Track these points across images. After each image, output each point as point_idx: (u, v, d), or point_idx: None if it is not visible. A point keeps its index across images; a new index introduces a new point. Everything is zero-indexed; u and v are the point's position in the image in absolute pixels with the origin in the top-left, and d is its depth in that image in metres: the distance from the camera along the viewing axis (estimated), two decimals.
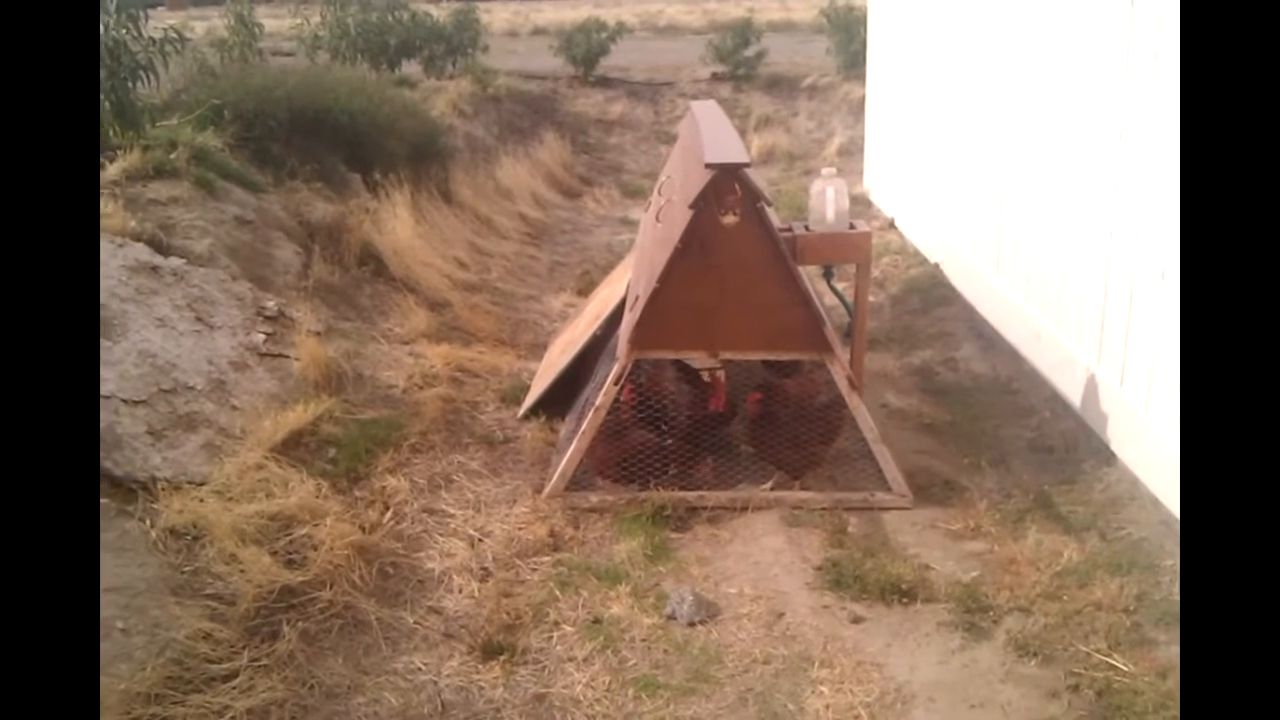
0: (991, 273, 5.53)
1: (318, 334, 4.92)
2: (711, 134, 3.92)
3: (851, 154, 11.36)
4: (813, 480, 4.00)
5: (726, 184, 3.41)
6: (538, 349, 5.64)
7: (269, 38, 12.10)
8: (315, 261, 5.62)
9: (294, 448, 3.93)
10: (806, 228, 3.77)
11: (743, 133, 12.38)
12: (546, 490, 3.91)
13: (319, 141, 6.73)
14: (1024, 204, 5.04)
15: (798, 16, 23.29)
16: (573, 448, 3.89)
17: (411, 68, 11.69)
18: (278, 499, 3.43)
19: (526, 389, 4.95)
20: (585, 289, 6.78)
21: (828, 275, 3.93)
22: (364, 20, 9.87)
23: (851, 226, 3.73)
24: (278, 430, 3.85)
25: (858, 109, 12.10)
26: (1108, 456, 4.01)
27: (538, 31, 22.34)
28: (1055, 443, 4.31)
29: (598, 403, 3.83)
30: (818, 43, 14.75)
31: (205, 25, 16.87)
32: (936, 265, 6.65)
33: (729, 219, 3.48)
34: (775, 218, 3.85)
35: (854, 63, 12.69)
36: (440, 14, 12.42)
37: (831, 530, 3.66)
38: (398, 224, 6.34)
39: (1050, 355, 4.63)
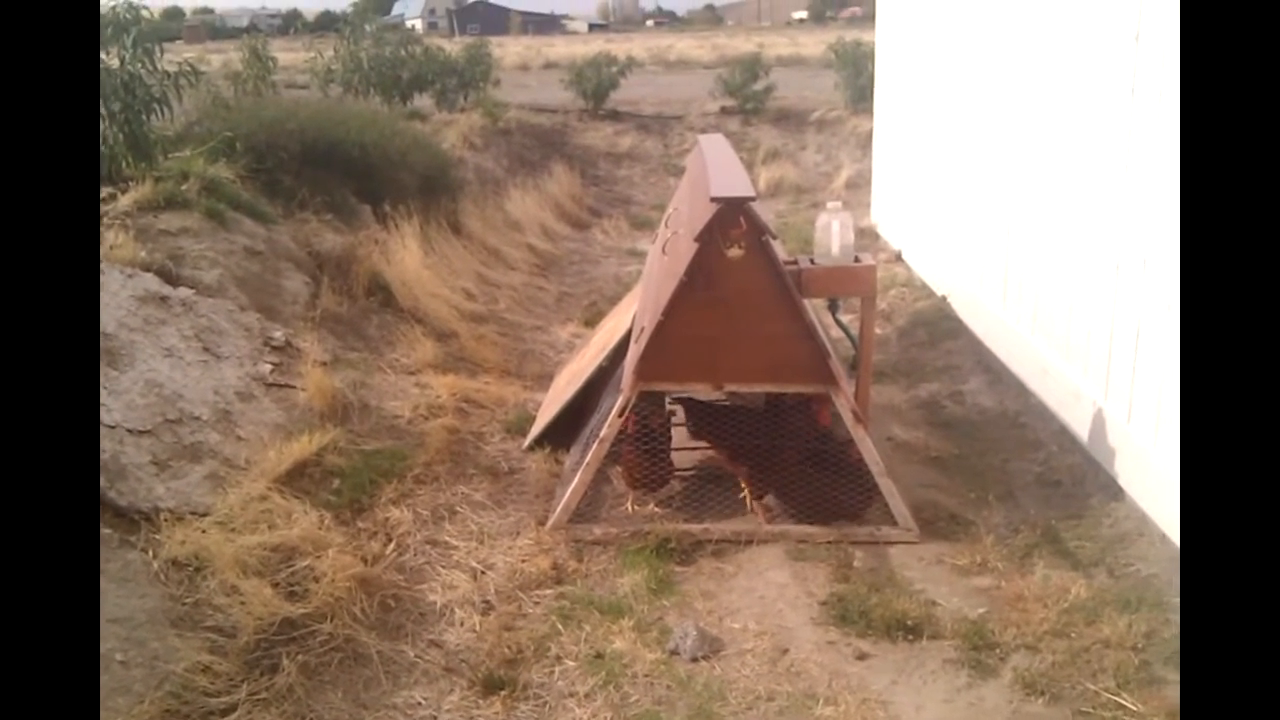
0: (998, 306, 5.53)
1: (324, 364, 4.93)
2: (717, 167, 3.94)
3: (859, 187, 11.41)
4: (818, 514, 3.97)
5: (732, 217, 3.42)
6: (544, 380, 5.64)
7: (284, 71, 12.27)
8: (324, 292, 5.66)
9: (298, 478, 3.93)
10: (812, 261, 3.77)
11: (751, 166, 12.46)
12: (550, 522, 3.90)
13: (330, 173, 6.79)
14: (1030, 238, 5.05)
15: (806, 52, 23.55)
16: (576, 480, 3.88)
17: (423, 101, 11.84)
18: (280, 530, 3.42)
19: (532, 420, 4.95)
20: (592, 320, 6.80)
21: (833, 308, 3.93)
22: (377, 54, 10.00)
23: (857, 259, 3.74)
24: (282, 461, 3.85)
25: (865, 142, 12.19)
26: (1115, 492, 3.98)
27: (549, 65, 22.65)
28: (1063, 477, 4.28)
29: (602, 434, 3.83)
30: (826, 77, 14.88)
31: (222, 58, 17.14)
32: (943, 298, 6.65)
33: (734, 252, 3.49)
34: (781, 251, 3.86)
35: (862, 97, 12.80)
36: (453, 48, 12.59)
37: (837, 565, 3.64)
38: (406, 255, 6.38)
39: (1058, 389, 4.61)
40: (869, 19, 13.16)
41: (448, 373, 5.35)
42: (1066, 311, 4.53)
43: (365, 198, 7.01)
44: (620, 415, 3.76)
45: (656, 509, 4.13)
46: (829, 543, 3.81)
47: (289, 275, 5.64)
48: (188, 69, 5.64)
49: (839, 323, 3.95)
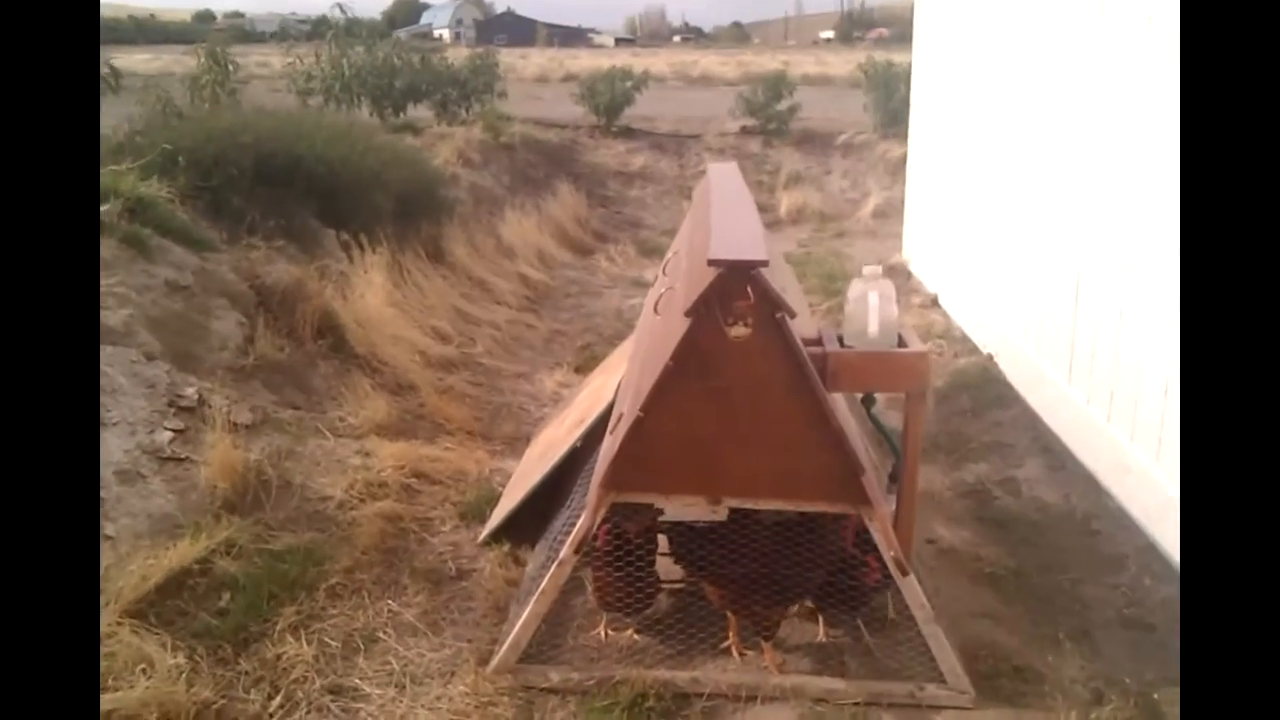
0: (1061, 377, 4.61)
1: (246, 428, 4.09)
2: (723, 215, 3.06)
3: (888, 216, 10.54)
4: (843, 664, 3.08)
5: (736, 287, 2.54)
6: (517, 443, 4.78)
7: (276, 79, 11.50)
8: (261, 334, 4.82)
9: (173, 595, 3.07)
10: (842, 341, 2.88)
11: (771, 190, 11.62)
12: (493, 664, 3.01)
13: (289, 193, 5.98)
14: (1110, 295, 4.13)
15: (833, 71, 22.76)
16: (527, 613, 2.99)
17: (422, 112, 11.06)
18: (117, 693, 2.54)
19: (496, 499, 4.08)
20: (585, 365, 5.94)
21: (868, 402, 3.03)
22: (366, 61, 9.18)
23: (901, 342, 2.84)
24: (149, 576, 2.99)
25: (895, 169, 11.33)
26: None
27: (569, 78, 21.86)
28: (1156, 617, 3.36)
29: (561, 557, 2.94)
30: (853, 98, 14.04)
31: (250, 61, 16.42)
32: (989, 357, 5.73)
33: (738, 331, 2.61)
34: (810, 321, 2.97)
35: (893, 120, 11.95)
36: (457, 58, 11.81)
37: None
38: (368, 289, 5.54)
39: (1145, 496, 3.69)
40: (896, 40, 12.39)
41: (399, 437, 4.49)
42: (1161, 398, 3.62)
43: (330, 221, 6.19)
44: (577, 549, 2.88)
45: (636, 636, 3.26)
46: (856, 704, 2.91)
47: (220, 314, 4.80)
48: (107, 71, 4.83)
49: (875, 422, 3.04)
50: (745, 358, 2.64)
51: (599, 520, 2.89)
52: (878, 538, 2.70)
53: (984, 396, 5.38)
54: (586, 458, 3.69)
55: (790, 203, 11.20)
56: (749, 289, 2.53)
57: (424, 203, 7.24)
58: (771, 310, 2.57)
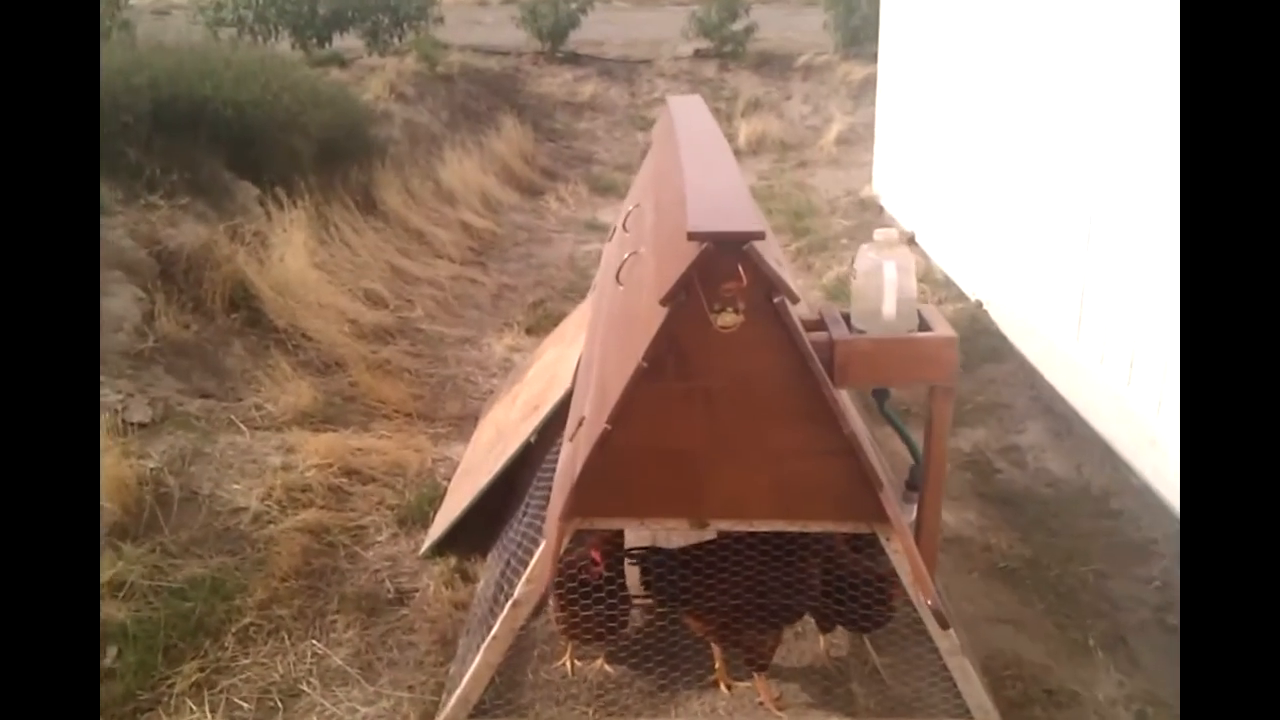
0: (1069, 333, 4.15)
1: (144, 426, 3.51)
2: (698, 168, 2.50)
3: (851, 144, 10.00)
4: (850, 693, 2.64)
5: (723, 266, 2.00)
6: (465, 424, 4.24)
7: (195, 10, 10.51)
8: (163, 310, 4.19)
9: None
10: (849, 323, 2.36)
11: (729, 118, 10.96)
12: None
13: (193, 142, 5.27)
14: (1129, 240, 3.65)
15: None
16: (479, 660, 2.49)
17: (350, 42, 10.18)
18: None
19: (439, 498, 3.56)
20: (538, 326, 5.39)
21: (880, 396, 2.52)
22: None
23: (922, 324, 2.33)
24: None
25: (858, 92, 10.76)
26: None
27: (510, 1, 20.70)
28: None
29: (516, 596, 2.43)
30: (812, 16, 13.30)
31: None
32: (978, 304, 5.27)
33: (727, 317, 2.08)
34: (804, 306, 2.44)
35: (854, 39, 11.30)
36: None
37: None
38: (288, 250, 4.90)
39: (1175, 473, 3.26)
40: None
41: (326, 426, 3.93)
42: None
43: (243, 173, 5.49)
44: (538, 601, 2.37)
45: (607, 668, 2.79)
46: None
47: (114, 289, 4.15)
48: None
49: (890, 419, 2.54)
50: (735, 351, 2.11)
51: (559, 552, 2.38)
52: (902, 570, 2.21)
53: (975, 350, 4.92)
54: (543, 451, 3.18)
55: (749, 131, 10.56)
56: (740, 267, 1.98)
57: (351, 145, 6.54)
58: (768, 293, 2.03)
